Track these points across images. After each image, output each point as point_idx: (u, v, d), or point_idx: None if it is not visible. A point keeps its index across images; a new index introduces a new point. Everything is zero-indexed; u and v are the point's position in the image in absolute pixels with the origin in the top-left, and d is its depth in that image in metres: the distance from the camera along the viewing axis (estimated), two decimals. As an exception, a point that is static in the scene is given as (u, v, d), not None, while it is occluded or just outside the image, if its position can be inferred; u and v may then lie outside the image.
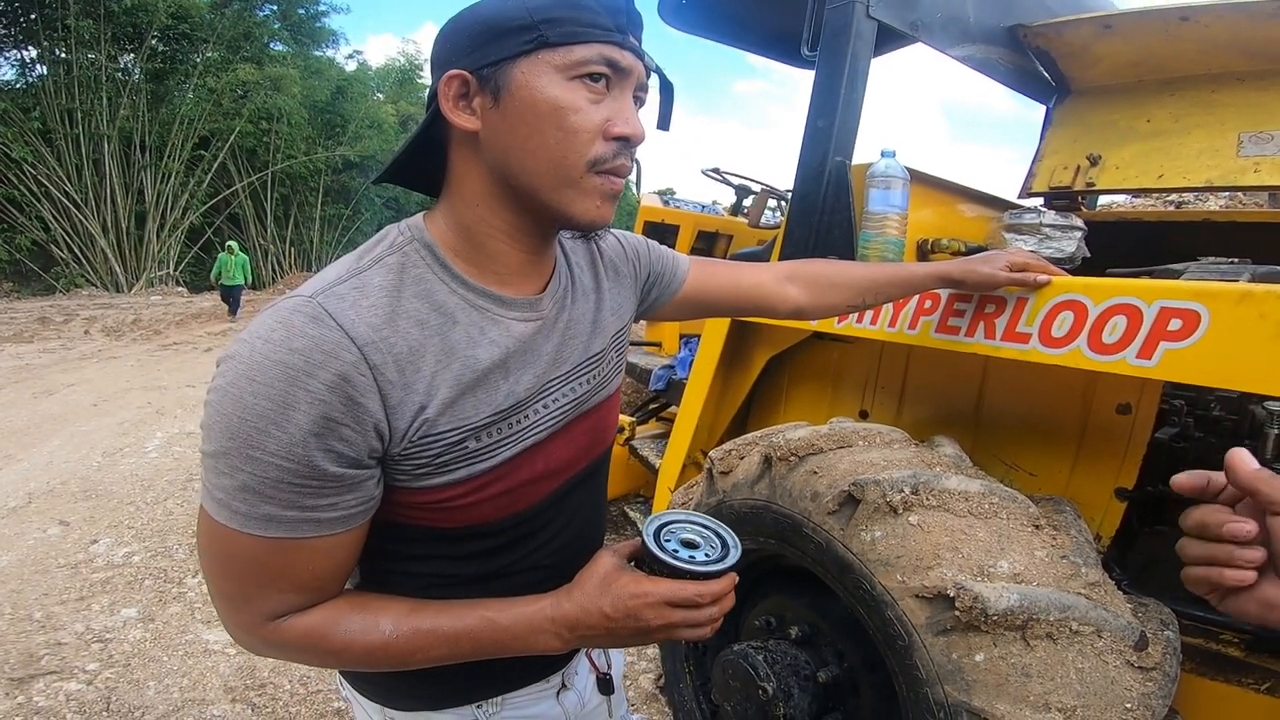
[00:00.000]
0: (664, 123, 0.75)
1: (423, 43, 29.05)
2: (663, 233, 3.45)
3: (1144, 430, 1.13)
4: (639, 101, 0.67)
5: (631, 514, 2.76)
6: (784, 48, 2.78)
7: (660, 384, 2.67)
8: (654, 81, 0.70)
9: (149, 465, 4.19)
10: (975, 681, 1.05)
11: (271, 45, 18.31)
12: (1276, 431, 1.13)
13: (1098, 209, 2.43)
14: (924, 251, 1.87)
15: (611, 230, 0.91)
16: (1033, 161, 2.30)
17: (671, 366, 2.70)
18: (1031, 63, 2.30)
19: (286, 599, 0.62)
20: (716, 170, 3.38)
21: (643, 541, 0.66)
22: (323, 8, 19.21)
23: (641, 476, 2.87)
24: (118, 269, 15.91)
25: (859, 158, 1.77)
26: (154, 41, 15.88)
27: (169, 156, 16.30)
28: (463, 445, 0.65)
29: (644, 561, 0.67)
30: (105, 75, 15.09)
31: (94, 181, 15.49)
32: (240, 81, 16.46)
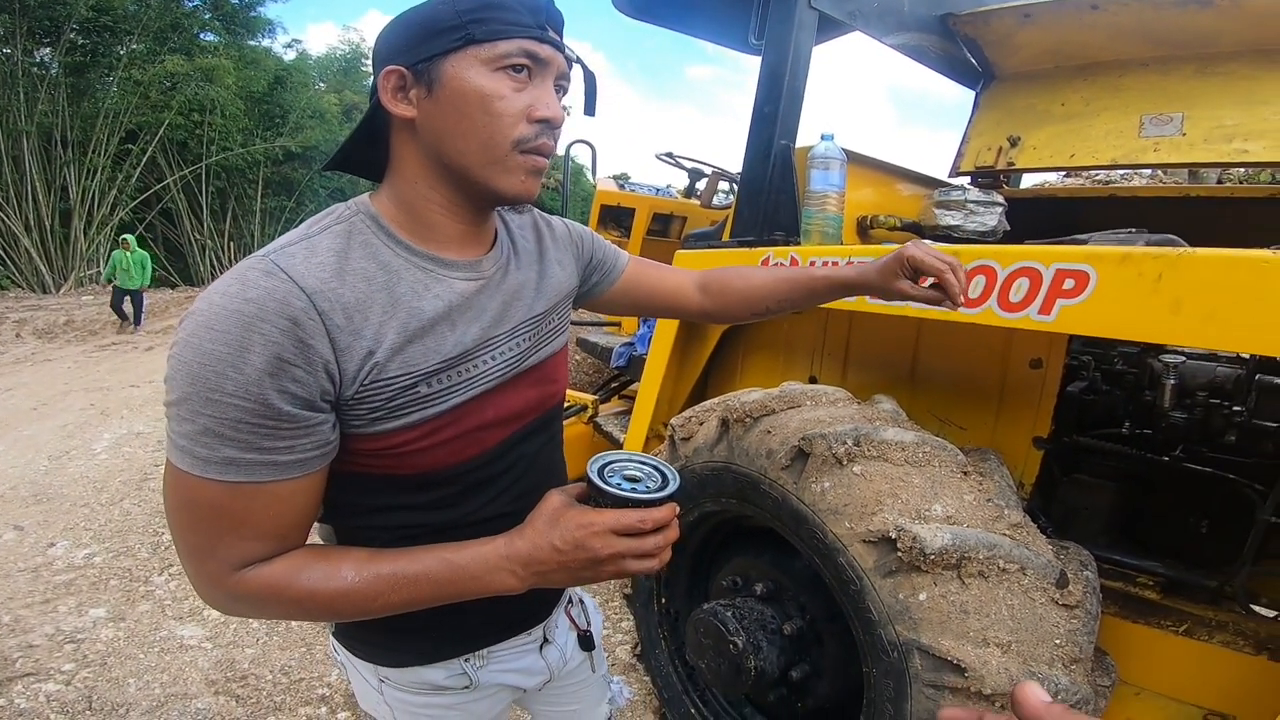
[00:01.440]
0: (590, 108, 0.83)
1: (366, 30, 28.14)
2: (619, 216, 3.51)
3: (1054, 382, 1.28)
4: (560, 90, 0.75)
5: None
6: (733, 34, 2.87)
7: (621, 361, 2.76)
8: (579, 74, 0.78)
9: (99, 467, 4.09)
10: (921, 619, 1.16)
11: (202, 36, 17.53)
12: (1172, 381, 1.28)
13: (1021, 187, 2.59)
14: (864, 227, 1.99)
15: (562, 220, 1.01)
16: (961, 143, 2.45)
17: (632, 344, 2.79)
18: (961, 50, 2.43)
19: (249, 547, 0.65)
20: (670, 154, 3.47)
21: (588, 478, 0.71)
22: (257, -3, 18.47)
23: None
24: (43, 269, 15.14)
25: (805, 140, 1.88)
26: (73, 35, 15.06)
27: (94, 151, 15.50)
28: (414, 390, 0.71)
29: (590, 497, 0.72)
30: (21, 70, 14.28)
31: (14, 179, 14.66)
32: (169, 73, 15.72)
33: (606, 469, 0.73)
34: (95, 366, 7.46)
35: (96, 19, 14.96)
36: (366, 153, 0.76)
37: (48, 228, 15.25)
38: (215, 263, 18.53)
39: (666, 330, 1.95)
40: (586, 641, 1.05)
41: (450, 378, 0.74)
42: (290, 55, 20.44)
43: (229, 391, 0.59)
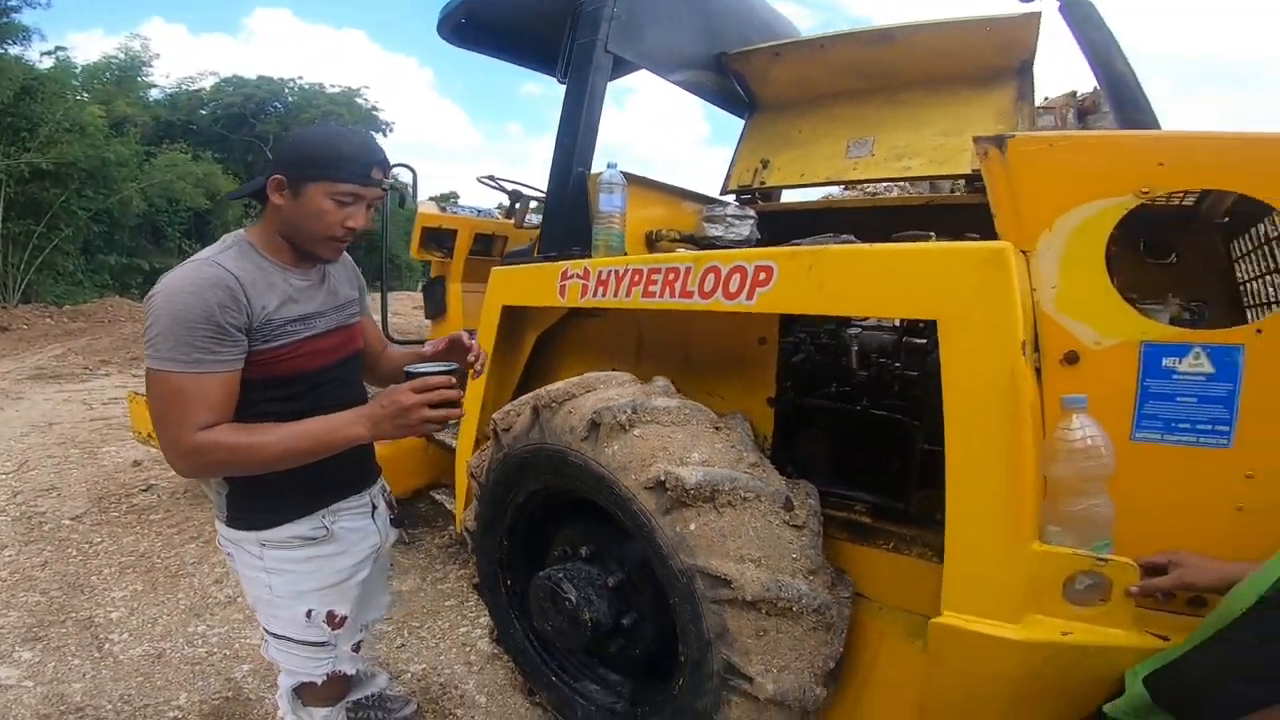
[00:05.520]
0: (408, 203, 1.93)
1: (152, 38, 24.63)
2: (441, 237, 3.64)
3: (773, 354, 1.67)
4: (372, 204, 1.42)
5: (438, 498, 2.99)
6: (554, 66, 3.11)
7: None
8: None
9: None
10: (696, 546, 1.45)
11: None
12: (855, 348, 1.71)
13: (785, 202, 3.03)
14: (651, 240, 2.33)
15: (354, 266, 1.67)
16: (730, 165, 2.91)
17: (456, 356, 2.95)
18: (733, 84, 2.88)
19: (204, 415, 1.22)
20: (491, 177, 3.66)
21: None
22: (14, 3, 15.80)
23: (442, 463, 3.10)
24: None
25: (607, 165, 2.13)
26: None
27: None
28: (282, 327, 1.35)
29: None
30: None
31: None
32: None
33: (414, 366, 1.35)
34: None
35: None
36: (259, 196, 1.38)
37: None
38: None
39: (485, 340, 2.14)
40: (398, 520, 1.77)
41: (298, 325, 1.39)
42: (48, 63, 17.70)
43: (197, 318, 1.20)
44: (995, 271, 1.12)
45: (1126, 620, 1.14)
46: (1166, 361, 1.11)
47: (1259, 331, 1.07)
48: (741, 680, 1.47)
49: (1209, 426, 1.10)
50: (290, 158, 1.32)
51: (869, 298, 1.29)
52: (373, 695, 2.00)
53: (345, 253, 1.57)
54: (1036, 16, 2.17)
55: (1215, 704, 0.95)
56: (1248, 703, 0.90)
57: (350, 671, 1.67)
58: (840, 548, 1.68)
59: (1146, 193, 1.15)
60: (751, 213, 2.32)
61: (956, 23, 2.30)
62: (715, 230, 2.27)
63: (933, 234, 1.55)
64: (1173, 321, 1.30)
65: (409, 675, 2.39)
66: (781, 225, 2.55)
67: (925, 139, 2.30)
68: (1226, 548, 1.02)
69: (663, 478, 1.45)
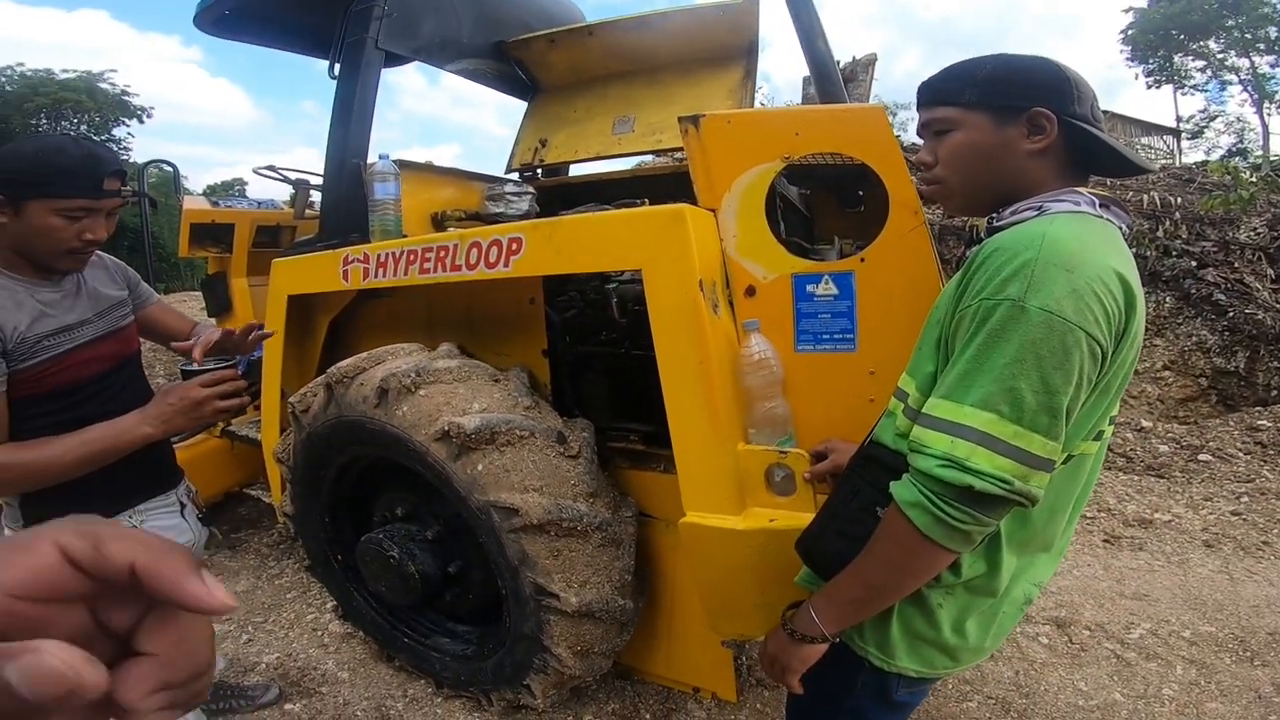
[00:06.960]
0: (152, 203, 1.83)
1: None
2: (217, 232, 3.50)
3: (541, 311, 1.90)
4: (113, 213, 1.41)
5: (253, 493, 2.98)
6: (329, 50, 3.05)
7: (242, 367, 2.89)
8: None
9: None
10: (486, 484, 1.65)
11: None
12: (615, 300, 1.99)
13: (561, 177, 3.25)
14: (437, 221, 2.47)
15: (115, 260, 1.67)
16: (513, 145, 3.08)
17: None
18: (515, 70, 3.03)
19: None
20: (271, 167, 3.55)
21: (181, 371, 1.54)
22: None
23: (252, 461, 3.06)
24: None
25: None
26: None
27: None
28: (38, 344, 1.37)
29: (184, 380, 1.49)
30: None
31: None
32: None
33: (188, 366, 1.53)
34: None
35: None
36: None
37: None
38: None
39: (273, 328, 2.20)
40: (207, 520, 1.79)
41: (59, 339, 1.40)
42: None
43: None
44: (675, 227, 1.41)
45: (810, 503, 1.36)
46: (809, 288, 1.47)
47: (862, 260, 1.45)
48: (550, 599, 1.71)
49: (841, 336, 1.47)
50: (3, 176, 1.28)
51: (593, 256, 1.55)
52: (229, 687, 2.12)
53: (100, 254, 1.58)
54: (756, 2, 2.53)
55: (827, 559, 1.05)
56: (844, 558, 0.98)
57: None
58: (623, 474, 1.95)
59: (788, 157, 1.49)
60: (530, 189, 2.53)
61: (695, 9, 2.62)
62: (497, 207, 2.46)
63: (645, 200, 1.85)
64: (840, 258, 1.68)
65: (263, 666, 2.43)
66: (561, 197, 2.80)
67: (673, 114, 2.61)
68: (865, 433, 1.17)
69: (447, 428, 1.65)
